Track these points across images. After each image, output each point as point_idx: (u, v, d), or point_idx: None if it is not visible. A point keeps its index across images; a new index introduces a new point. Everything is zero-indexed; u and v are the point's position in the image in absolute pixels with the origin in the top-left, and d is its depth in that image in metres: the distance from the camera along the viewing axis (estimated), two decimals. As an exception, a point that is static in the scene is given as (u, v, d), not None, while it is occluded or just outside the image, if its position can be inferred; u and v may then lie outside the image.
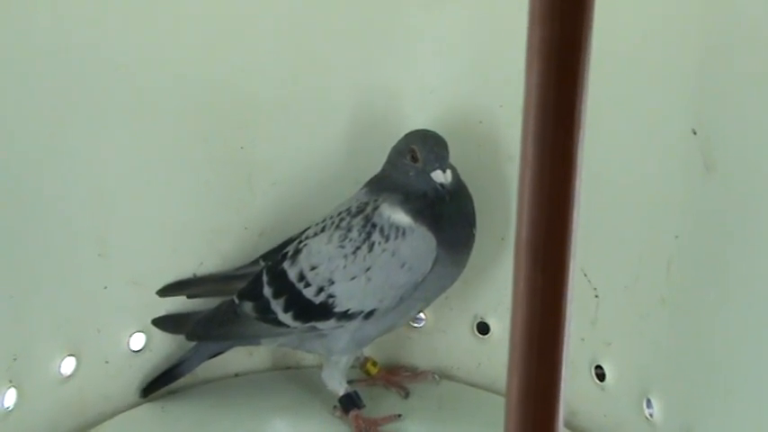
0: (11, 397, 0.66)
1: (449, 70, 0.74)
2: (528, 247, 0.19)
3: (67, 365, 0.70)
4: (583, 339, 0.72)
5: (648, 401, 0.67)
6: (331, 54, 0.74)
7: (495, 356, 0.77)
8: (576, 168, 0.18)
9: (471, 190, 0.70)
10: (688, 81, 0.61)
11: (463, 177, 0.69)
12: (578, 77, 0.18)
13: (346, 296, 0.68)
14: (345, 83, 0.75)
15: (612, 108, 0.66)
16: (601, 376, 0.72)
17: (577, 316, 0.71)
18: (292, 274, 0.69)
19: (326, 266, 0.68)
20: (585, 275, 0.71)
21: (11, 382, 0.66)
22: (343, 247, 0.68)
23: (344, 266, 0.68)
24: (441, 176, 0.66)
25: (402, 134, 0.70)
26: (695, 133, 0.60)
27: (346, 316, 0.68)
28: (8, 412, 0.66)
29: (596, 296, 0.71)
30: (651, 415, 0.67)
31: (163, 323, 0.74)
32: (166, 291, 0.74)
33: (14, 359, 0.66)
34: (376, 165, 0.71)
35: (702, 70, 0.60)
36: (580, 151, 0.18)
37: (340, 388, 0.71)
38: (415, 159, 0.67)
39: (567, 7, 0.17)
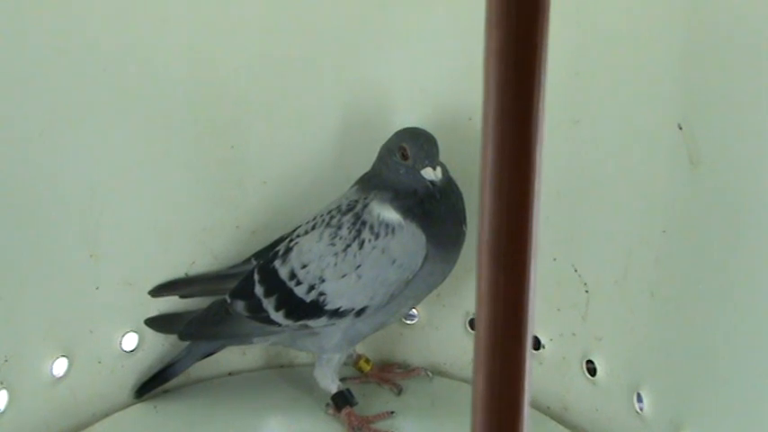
0: (2, 399, 0.66)
1: (438, 68, 0.74)
2: (489, 247, 0.19)
3: (59, 366, 0.70)
4: (574, 334, 0.72)
5: (639, 396, 0.68)
6: (321, 53, 0.74)
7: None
8: (534, 168, 0.18)
9: (461, 187, 0.70)
10: (673, 76, 0.61)
11: (453, 175, 0.69)
12: (535, 78, 0.18)
13: (337, 294, 0.68)
14: (335, 81, 0.75)
15: (598, 104, 0.67)
16: (592, 371, 0.72)
17: (568, 311, 0.71)
18: (283, 273, 0.69)
19: (317, 264, 0.68)
20: (576, 271, 0.71)
21: (2, 383, 0.66)
22: (333, 244, 0.68)
23: (335, 264, 0.68)
24: (431, 174, 0.66)
25: (392, 132, 0.70)
26: (681, 128, 0.60)
27: (337, 314, 0.68)
28: (0, 414, 0.66)
29: (586, 291, 0.71)
30: (641, 409, 0.67)
31: (155, 323, 0.74)
32: (158, 291, 0.74)
33: (6, 360, 0.66)
34: (366, 163, 0.71)
35: (688, 65, 0.60)
36: (538, 151, 0.18)
37: (332, 386, 0.72)
38: (405, 157, 0.67)
39: (523, 8, 0.17)
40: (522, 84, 0.18)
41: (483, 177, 0.19)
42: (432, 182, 0.66)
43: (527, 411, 0.20)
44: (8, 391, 0.67)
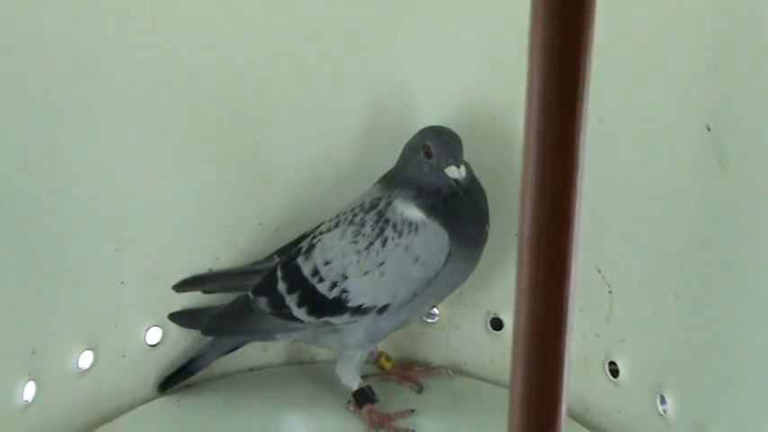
0: (30, 390, 0.67)
1: (462, 66, 0.74)
2: (529, 243, 0.19)
3: (85, 359, 0.71)
4: (597, 335, 0.72)
5: (662, 397, 0.67)
6: (344, 50, 0.74)
7: (508, 352, 0.76)
8: (577, 164, 0.18)
9: (485, 186, 0.70)
10: (702, 76, 0.60)
11: (476, 174, 0.69)
12: (580, 72, 0.18)
13: (359, 291, 0.68)
14: (359, 79, 0.75)
15: (626, 104, 0.66)
16: (614, 372, 0.72)
17: (591, 312, 0.71)
18: (306, 270, 0.70)
19: (340, 262, 0.68)
20: (599, 271, 0.71)
21: (30, 375, 0.67)
22: (356, 242, 0.68)
23: (358, 262, 0.68)
24: (455, 172, 0.66)
25: (416, 130, 0.70)
26: (709, 129, 0.60)
27: (360, 311, 0.69)
28: (27, 405, 0.67)
29: (610, 292, 0.71)
30: (665, 411, 0.67)
31: (179, 318, 0.75)
32: (182, 286, 0.75)
33: (33, 353, 0.67)
34: (389, 160, 0.71)
35: (717, 65, 0.60)
36: (582, 146, 0.18)
37: (354, 383, 0.72)
38: (428, 155, 0.67)
39: (569, 3, 0.17)
40: (567, 78, 0.18)
41: (524, 172, 0.19)
42: (456, 180, 0.66)
43: (565, 410, 0.20)
44: (36, 382, 0.67)
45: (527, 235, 0.19)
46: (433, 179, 0.67)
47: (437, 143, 0.67)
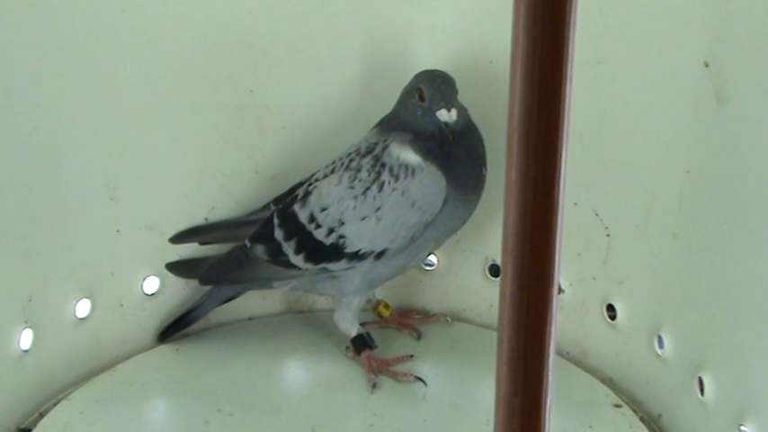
0: (27, 337, 0.67)
1: (459, 11, 0.73)
2: (519, 131, 0.19)
3: (83, 308, 0.71)
4: (594, 279, 0.72)
5: (660, 339, 0.68)
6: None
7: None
8: (567, 49, 0.17)
9: (482, 131, 0.69)
10: (700, 12, 0.59)
11: (474, 118, 0.69)
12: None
13: (357, 236, 0.68)
14: (356, 25, 0.74)
15: (621, 44, 0.65)
16: (612, 315, 0.72)
17: (589, 256, 0.70)
18: (303, 216, 0.69)
19: (337, 207, 0.68)
20: (597, 215, 0.71)
21: (26, 322, 0.67)
22: (352, 187, 0.68)
23: (354, 207, 0.68)
24: (445, 115, 0.65)
25: (412, 75, 0.69)
26: (707, 66, 0.59)
27: (357, 256, 0.68)
28: (25, 353, 0.67)
29: (607, 235, 0.71)
30: (662, 352, 0.67)
31: (176, 268, 0.75)
32: (179, 238, 0.75)
33: (30, 300, 0.67)
34: (386, 107, 0.71)
35: (715, 0, 0.59)
36: (571, 34, 0.17)
37: (352, 329, 0.72)
38: (422, 99, 0.66)
39: None
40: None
41: (514, 64, 0.19)
42: (446, 123, 0.65)
43: (556, 302, 0.20)
44: (33, 329, 0.68)
45: (517, 123, 0.19)
46: (426, 122, 0.66)
47: (430, 86, 0.66)
